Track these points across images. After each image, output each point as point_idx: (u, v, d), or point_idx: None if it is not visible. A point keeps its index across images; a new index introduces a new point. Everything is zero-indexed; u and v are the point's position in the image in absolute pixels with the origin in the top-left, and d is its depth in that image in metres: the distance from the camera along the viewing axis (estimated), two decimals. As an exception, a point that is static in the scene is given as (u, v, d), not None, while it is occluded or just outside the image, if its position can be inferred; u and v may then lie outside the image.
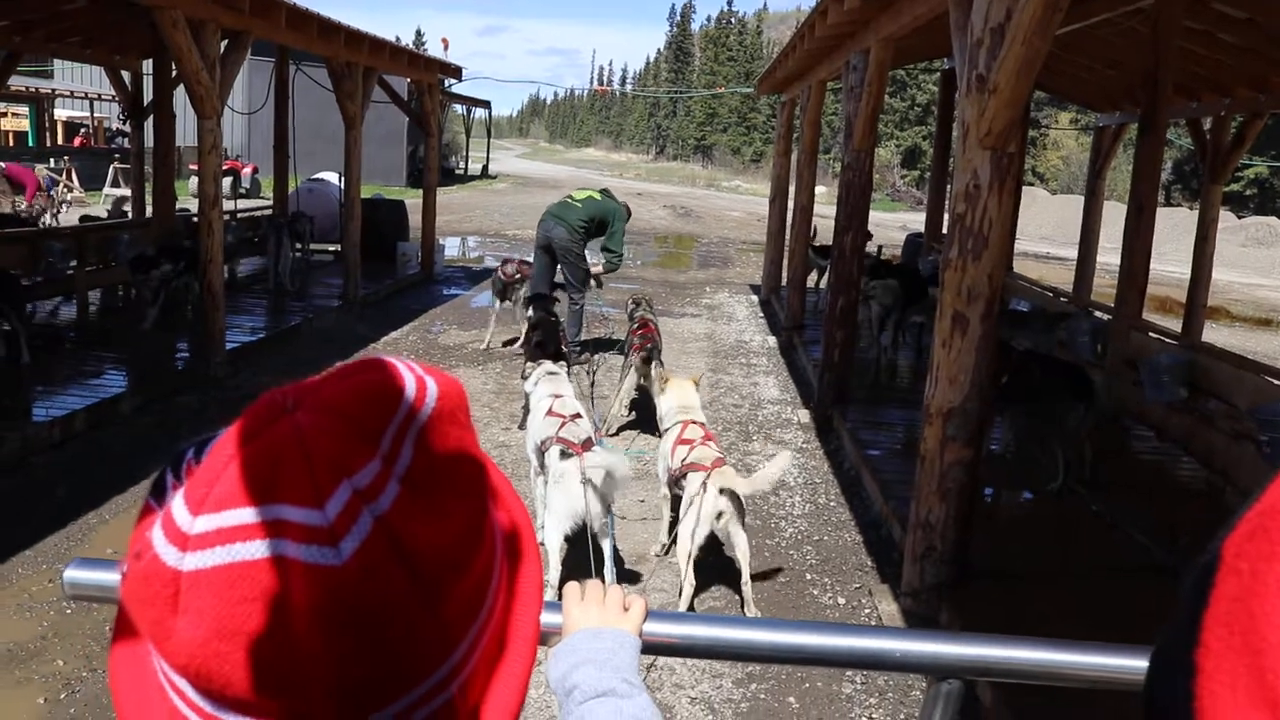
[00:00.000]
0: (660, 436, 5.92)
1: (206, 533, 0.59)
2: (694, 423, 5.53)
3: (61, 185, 23.77)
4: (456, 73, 17.18)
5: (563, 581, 4.96)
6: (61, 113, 33.64)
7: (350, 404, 0.64)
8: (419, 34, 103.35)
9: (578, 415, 5.46)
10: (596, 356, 10.28)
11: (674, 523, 5.45)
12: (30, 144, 30.14)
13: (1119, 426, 8.46)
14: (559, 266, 10.42)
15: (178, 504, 0.61)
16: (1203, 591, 0.49)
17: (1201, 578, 0.50)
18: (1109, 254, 12.70)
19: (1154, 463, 7.91)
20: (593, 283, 10.84)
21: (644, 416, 8.14)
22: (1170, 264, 22.50)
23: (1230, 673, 0.45)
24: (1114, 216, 13.25)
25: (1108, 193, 15.46)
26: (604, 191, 10.88)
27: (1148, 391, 8.32)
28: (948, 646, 1.12)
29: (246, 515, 0.59)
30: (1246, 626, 0.45)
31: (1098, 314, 10.88)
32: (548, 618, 1.11)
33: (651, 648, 1.12)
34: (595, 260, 10.75)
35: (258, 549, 0.59)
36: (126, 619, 0.67)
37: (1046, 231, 34.31)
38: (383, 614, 0.61)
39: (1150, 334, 9.26)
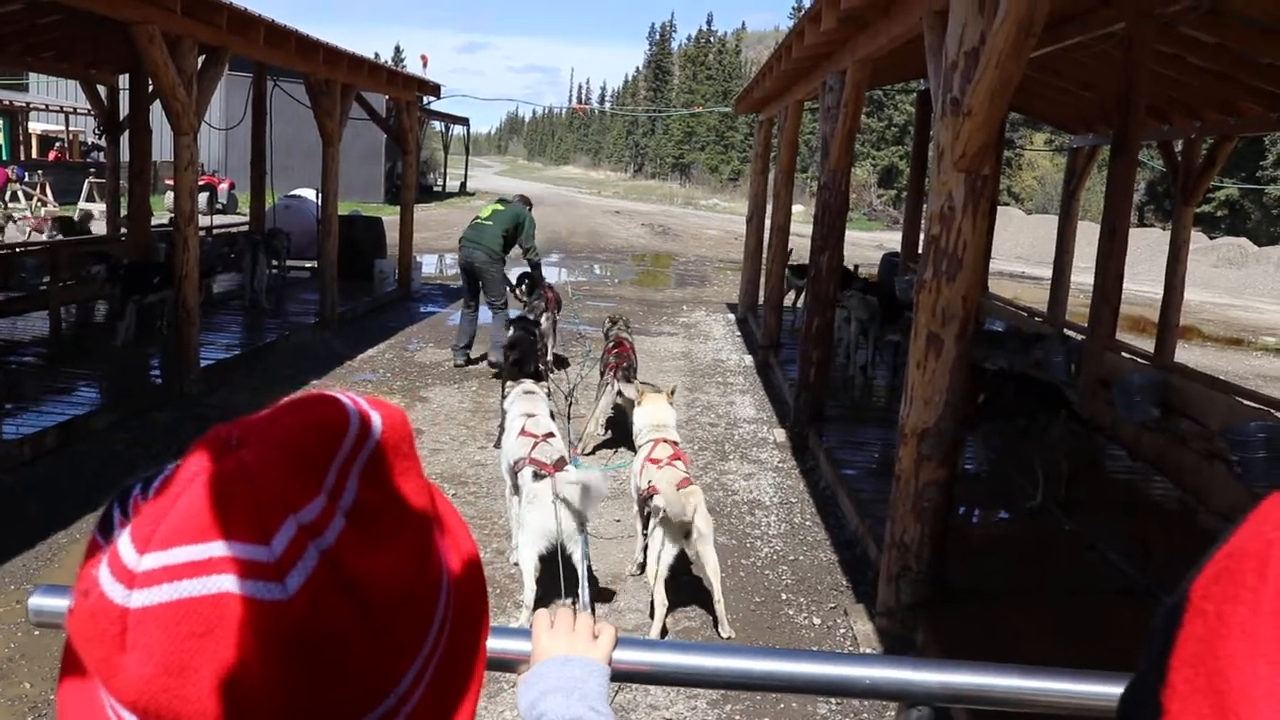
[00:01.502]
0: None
1: (153, 570, 0.60)
2: (665, 441, 5.52)
3: (35, 199, 23.64)
4: (435, 90, 17.18)
5: (538, 601, 4.95)
6: (36, 126, 33.43)
7: (295, 440, 0.65)
8: (398, 50, 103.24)
9: (550, 435, 5.46)
10: (573, 375, 10.27)
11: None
12: (4, 157, 29.94)
13: (1092, 445, 8.51)
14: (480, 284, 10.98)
15: (124, 542, 0.62)
16: (1170, 632, 0.49)
17: (1170, 618, 0.50)
18: (1083, 274, 12.81)
19: (1127, 482, 7.95)
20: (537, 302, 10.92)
21: (620, 435, 8.13)
22: (1144, 284, 22.68)
23: (1195, 714, 0.45)
24: (1088, 236, 13.37)
25: (1082, 213, 15.59)
26: (503, 200, 11.43)
27: (1121, 411, 8.38)
28: (916, 674, 1.12)
29: (193, 552, 0.60)
30: (1211, 668, 0.45)
31: (1072, 334, 10.96)
32: (517, 645, 1.11)
33: (621, 675, 1.13)
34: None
35: (204, 585, 0.60)
36: (74, 655, 0.67)
37: (1022, 251, 34.55)
38: (330, 646, 0.62)
39: (1123, 354, 9.33)
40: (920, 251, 5.40)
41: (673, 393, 6.11)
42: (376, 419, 0.69)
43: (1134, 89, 8.15)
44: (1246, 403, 7.59)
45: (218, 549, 0.60)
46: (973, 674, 1.12)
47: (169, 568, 0.60)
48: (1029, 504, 6.79)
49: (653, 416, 5.79)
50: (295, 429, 0.66)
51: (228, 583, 0.60)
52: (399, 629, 0.66)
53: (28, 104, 31.70)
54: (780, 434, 9.00)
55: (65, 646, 0.69)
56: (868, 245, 29.70)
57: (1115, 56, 8.55)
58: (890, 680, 1.11)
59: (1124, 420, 8.46)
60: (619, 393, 7.96)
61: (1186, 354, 14.54)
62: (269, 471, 0.63)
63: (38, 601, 1.17)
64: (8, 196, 22.90)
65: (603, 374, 8.34)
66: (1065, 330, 11.44)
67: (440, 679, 0.71)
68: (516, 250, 11.32)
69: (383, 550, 0.66)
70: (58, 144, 32.20)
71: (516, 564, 5.46)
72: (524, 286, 11.31)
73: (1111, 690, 1.08)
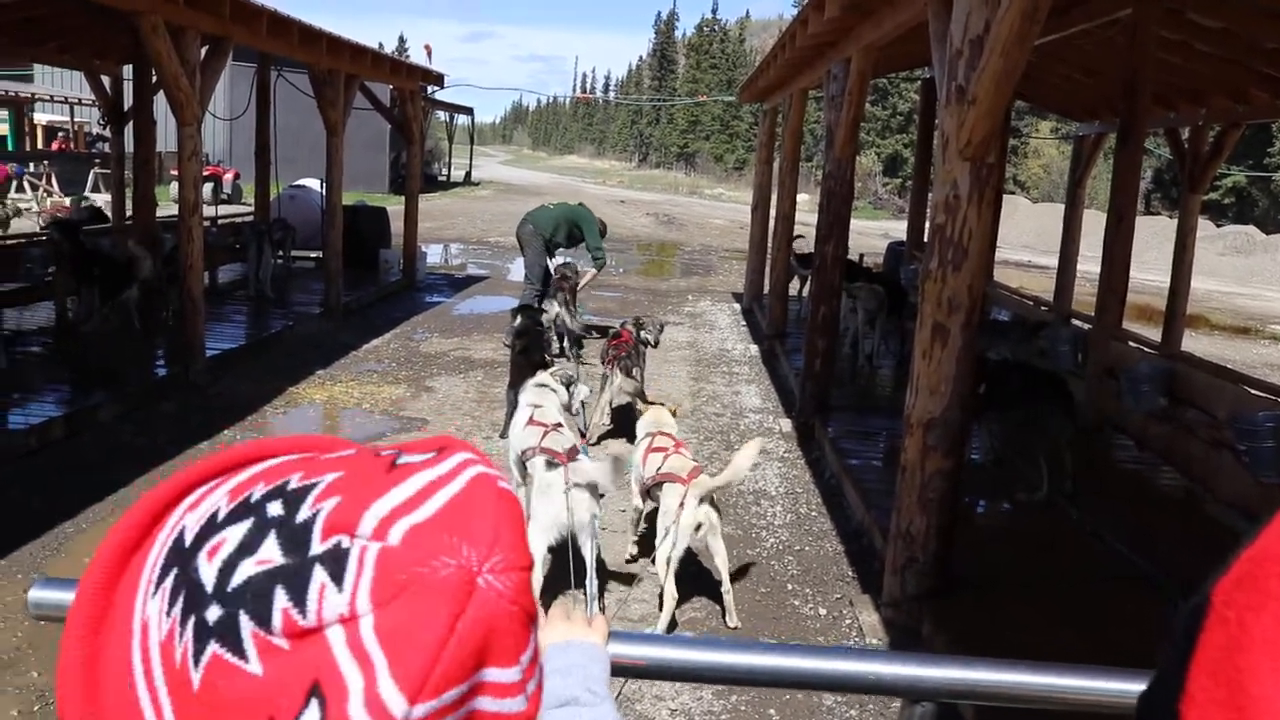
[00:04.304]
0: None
1: (423, 718, 0.59)
2: (663, 434, 5.51)
3: (41, 190, 23.66)
4: (438, 80, 17.15)
5: (544, 593, 4.95)
6: (41, 117, 33.39)
7: (519, 541, 0.64)
8: (402, 40, 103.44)
9: (559, 425, 5.44)
10: (580, 365, 10.26)
11: (645, 534, 5.45)
12: (10, 148, 29.94)
13: (1100, 436, 8.49)
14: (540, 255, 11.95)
15: (386, 687, 0.58)
16: (1190, 637, 0.47)
17: (1190, 622, 0.48)
18: (1090, 262, 12.77)
19: (1134, 472, 7.94)
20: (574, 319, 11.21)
21: (624, 425, 8.13)
22: (1151, 272, 22.62)
23: None
24: (1095, 225, 13.34)
25: (1089, 201, 15.57)
26: (579, 205, 12.51)
27: (1127, 401, 8.36)
28: (921, 669, 1.11)
29: (461, 690, 0.60)
30: (1231, 679, 0.43)
31: (1078, 323, 10.93)
32: None
33: (622, 670, 1.12)
34: (584, 268, 11.95)
35: (461, 714, 0.60)
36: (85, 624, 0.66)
37: (1028, 240, 34.47)
38: None
39: (1130, 343, 9.30)
40: (926, 240, 5.38)
41: (674, 413, 6.03)
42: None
43: (1140, 76, 8.11)
44: (1254, 392, 7.56)
45: (479, 677, 0.60)
46: (977, 670, 1.11)
47: (437, 710, 0.59)
48: (1035, 495, 6.77)
49: (653, 417, 5.83)
50: (511, 536, 0.63)
51: (480, 704, 0.60)
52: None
53: (32, 95, 31.64)
54: (786, 424, 8.99)
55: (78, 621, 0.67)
56: (873, 234, 29.65)
57: (1121, 43, 8.51)
58: (895, 676, 1.10)
59: (1131, 410, 8.43)
60: (619, 385, 8.00)
61: (1193, 343, 14.49)
62: (523, 594, 0.62)
63: (37, 594, 1.16)
64: (12, 189, 22.89)
65: (604, 363, 8.36)
66: (1072, 319, 11.41)
67: None
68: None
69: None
70: (60, 134, 32.17)
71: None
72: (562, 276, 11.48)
73: (1116, 686, 1.07)
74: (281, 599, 0.58)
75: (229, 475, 0.70)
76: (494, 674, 0.61)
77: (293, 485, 0.64)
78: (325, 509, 0.61)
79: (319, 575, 0.58)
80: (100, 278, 10.24)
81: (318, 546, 0.60)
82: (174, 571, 0.63)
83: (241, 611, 0.58)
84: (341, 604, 0.58)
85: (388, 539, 0.59)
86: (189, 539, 0.64)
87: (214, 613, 0.59)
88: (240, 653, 0.58)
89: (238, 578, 0.60)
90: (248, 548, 0.61)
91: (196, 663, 0.59)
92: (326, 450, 0.71)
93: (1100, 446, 8.30)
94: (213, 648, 0.59)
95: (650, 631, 4.91)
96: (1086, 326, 10.03)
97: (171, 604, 0.62)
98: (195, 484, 0.70)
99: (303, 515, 0.61)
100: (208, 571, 0.61)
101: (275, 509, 0.62)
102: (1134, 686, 1.04)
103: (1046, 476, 6.76)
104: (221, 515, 0.64)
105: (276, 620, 0.58)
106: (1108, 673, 1.07)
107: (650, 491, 5.25)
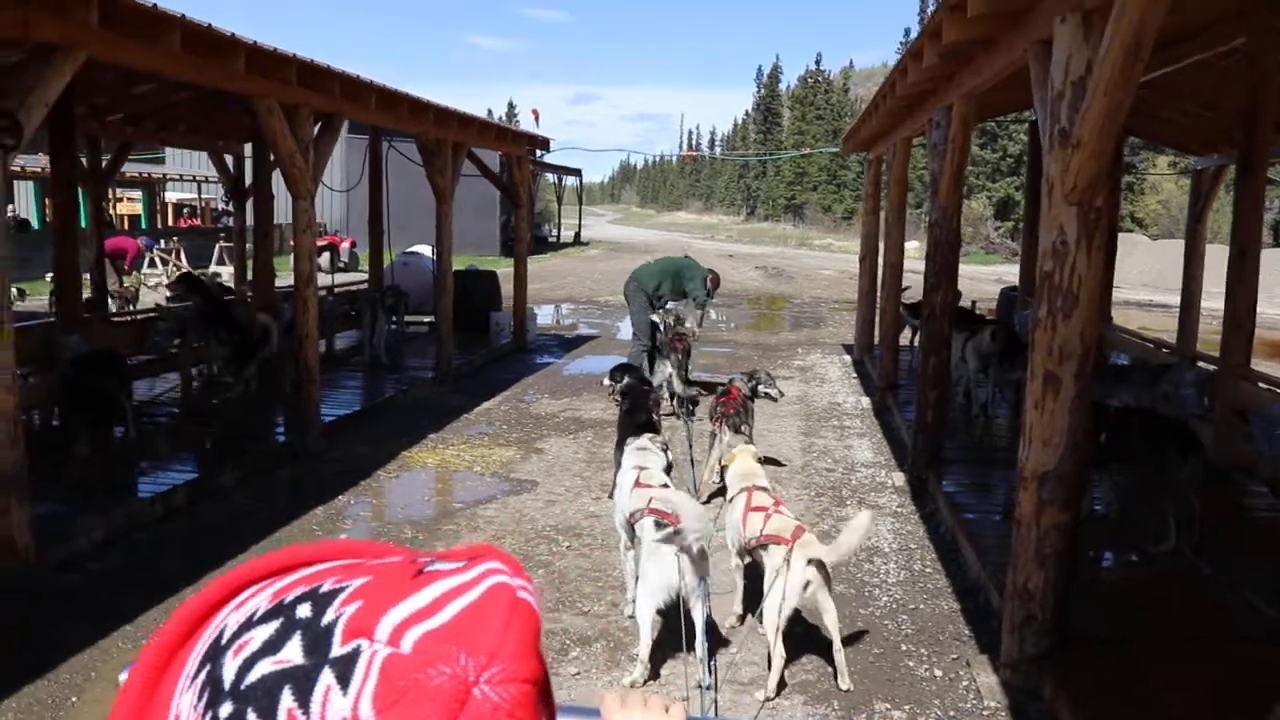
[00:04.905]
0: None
1: None
2: (759, 488, 5.44)
3: (171, 264, 24.73)
4: (544, 144, 17.46)
5: (653, 654, 4.90)
6: (171, 195, 35.05)
7: (524, 665, 0.61)
8: (511, 105, 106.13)
9: (666, 486, 5.41)
10: (691, 422, 10.23)
11: (749, 593, 5.36)
12: (143, 225, 31.43)
13: (1231, 484, 8.10)
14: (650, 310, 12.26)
15: None
16: None
17: None
18: (1216, 299, 12.25)
19: (1269, 521, 7.54)
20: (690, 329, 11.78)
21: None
22: (1282, 308, 21.67)
23: None
24: (1219, 260, 12.84)
25: (1212, 235, 14.99)
26: (684, 257, 13.15)
27: (1259, 445, 7.97)
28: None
29: None
30: None
31: (1203, 364, 10.50)
32: None
33: (693, 758, 1.08)
34: (686, 316, 12.15)
35: None
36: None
37: (1148, 279, 33.41)
38: None
39: (1260, 383, 8.89)
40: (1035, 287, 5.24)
41: (761, 460, 6.05)
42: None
43: (1260, 105, 7.85)
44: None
45: None
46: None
47: None
48: (1162, 546, 6.47)
49: (740, 468, 5.79)
50: (514, 636, 0.61)
51: None
52: None
53: (164, 175, 33.25)
54: (899, 478, 8.79)
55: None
56: (986, 279, 29.10)
57: (1237, 73, 8.24)
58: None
59: (1264, 455, 8.04)
60: (728, 442, 7.92)
61: (1331, 381, 13.78)
62: (522, 708, 0.60)
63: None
64: (145, 264, 23.96)
65: (713, 420, 8.30)
66: (1197, 360, 10.96)
67: None
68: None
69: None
70: (185, 210, 33.64)
71: (631, 616, 5.42)
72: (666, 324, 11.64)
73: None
74: (287, 699, 0.58)
75: (277, 578, 0.71)
76: None
77: (324, 589, 0.65)
78: (347, 613, 0.61)
79: (326, 678, 0.58)
80: (227, 340, 10.67)
81: (338, 649, 0.60)
82: (207, 668, 0.64)
83: (250, 710, 0.59)
84: (345, 708, 0.57)
85: (400, 645, 0.59)
86: (226, 637, 0.65)
87: (226, 709, 0.60)
88: None
89: (253, 676, 0.60)
90: (271, 647, 0.61)
91: None
92: (373, 556, 0.72)
93: (1231, 495, 7.91)
94: None
95: (762, 698, 4.82)
96: (1212, 368, 9.62)
97: (199, 698, 0.63)
98: (245, 585, 0.72)
99: (327, 618, 0.62)
100: (229, 668, 0.62)
101: (304, 611, 0.63)
102: None
103: (1174, 527, 6.46)
104: (258, 616, 0.65)
105: None
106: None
107: (752, 552, 5.17)
